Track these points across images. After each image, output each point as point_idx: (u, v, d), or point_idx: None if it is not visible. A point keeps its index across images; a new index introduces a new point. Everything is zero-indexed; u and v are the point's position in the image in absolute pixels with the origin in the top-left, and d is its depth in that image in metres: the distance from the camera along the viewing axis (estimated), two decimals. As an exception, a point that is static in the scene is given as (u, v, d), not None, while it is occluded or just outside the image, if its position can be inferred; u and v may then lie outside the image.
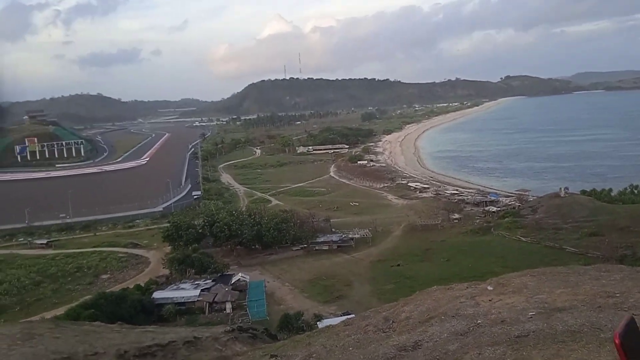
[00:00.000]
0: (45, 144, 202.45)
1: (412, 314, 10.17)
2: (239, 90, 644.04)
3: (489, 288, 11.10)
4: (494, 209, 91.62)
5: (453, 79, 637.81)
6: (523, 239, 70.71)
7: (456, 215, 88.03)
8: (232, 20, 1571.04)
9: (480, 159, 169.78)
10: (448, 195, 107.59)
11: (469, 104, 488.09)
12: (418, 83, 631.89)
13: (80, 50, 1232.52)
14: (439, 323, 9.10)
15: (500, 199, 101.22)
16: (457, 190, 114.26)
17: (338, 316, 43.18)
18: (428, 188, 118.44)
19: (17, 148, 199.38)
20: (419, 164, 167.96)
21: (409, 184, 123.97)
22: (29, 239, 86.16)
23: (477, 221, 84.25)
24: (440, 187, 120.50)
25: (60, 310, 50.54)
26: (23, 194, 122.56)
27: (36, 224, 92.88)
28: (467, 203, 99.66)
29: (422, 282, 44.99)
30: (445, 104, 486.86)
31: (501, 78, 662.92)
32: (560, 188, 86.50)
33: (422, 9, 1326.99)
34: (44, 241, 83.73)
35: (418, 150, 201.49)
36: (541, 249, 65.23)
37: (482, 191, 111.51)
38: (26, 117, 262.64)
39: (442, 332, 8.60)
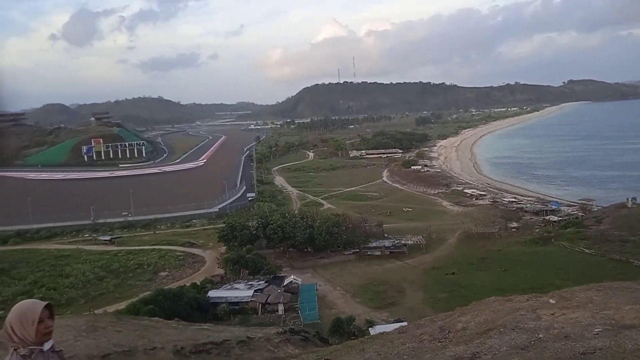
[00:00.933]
0: (109, 144, 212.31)
1: (469, 325, 9.94)
2: (293, 94, 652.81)
3: (551, 301, 10.71)
4: (555, 218, 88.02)
5: (512, 83, 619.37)
6: (586, 250, 67.41)
7: (514, 224, 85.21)
8: (287, 25, 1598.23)
9: (540, 166, 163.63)
10: (506, 203, 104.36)
11: (528, 109, 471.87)
12: (475, 87, 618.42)
13: (143, 55, 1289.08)
14: (498, 335, 8.85)
15: (562, 208, 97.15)
16: (515, 197, 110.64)
17: (390, 323, 42.77)
18: (485, 195, 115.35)
19: (84, 148, 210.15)
20: (475, 170, 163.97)
21: (465, 191, 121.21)
22: (94, 236, 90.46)
23: (537, 231, 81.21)
24: (497, 194, 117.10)
25: (121, 305, 52.77)
26: (89, 192, 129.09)
27: (100, 221, 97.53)
28: (526, 211, 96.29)
29: (477, 292, 43.85)
30: (503, 109, 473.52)
31: (563, 82, 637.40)
32: (628, 198, 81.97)
33: (480, 11, 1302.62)
34: (108, 238, 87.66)
35: (475, 156, 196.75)
36: (606, 262, 62.00)
37: (542, 199, 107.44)
38: (93, 118, 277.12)
39: (502, 345, 8.35)
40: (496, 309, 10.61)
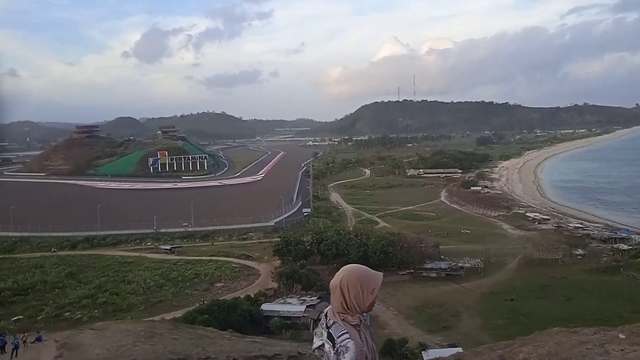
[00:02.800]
0: (174, 157, 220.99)
1: (530, 356, 9.49)
2: (352, 111, 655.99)
3: (621, 336, 10.05)
4: (625, 247, 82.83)
5: (580, 104, 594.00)
6: (660, 282, 62.99)
7: (580, 251, 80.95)
8: (348, 43, 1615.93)
9: (609, 191, 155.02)
10: (571, 229, 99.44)
11: (598, 131, 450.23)
12: (540, 107, 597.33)
13: (207, 72, 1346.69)
14: (561, 369, 8.39)
15: (633, 236, 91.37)
16: (581, 223, 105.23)
17: (444, 347, 41.59)
18: (548, 219, 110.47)
19: (151, 160, 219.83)
20: (538, 193, 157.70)
21: (527, 214, 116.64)
22: (156, 244, 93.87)
23: (604, 259, 76.74)
24: (562, 219, 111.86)
25: (178, 313, 54.22)
26: (153, 203, 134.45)
27: (162, 230, 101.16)
28: (593, 238, 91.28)
29: (538, 321, 41.94)
30: (570, 130, 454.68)
31: (637, 104, 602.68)
32: None
33: (547, 30, 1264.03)
34: (168, 247, 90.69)
35: (538, 179, 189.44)
36: (682, 296, 57.62)
37: (611, 226, 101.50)
38: (160, 132, 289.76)
39: (566, 380, 7.90)
40: (560, 340, 10.08)
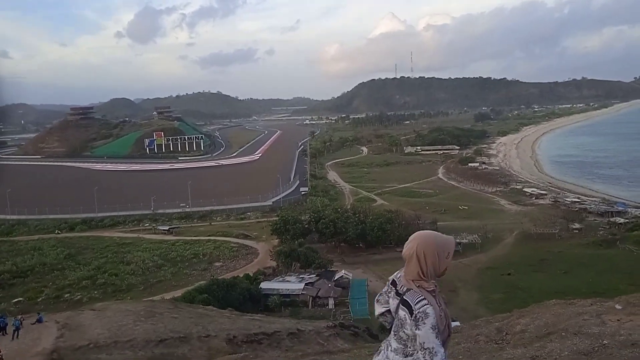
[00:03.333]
0: (170, 137, 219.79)
1: (528, 328, 9.50)
2: (349, 89, 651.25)
3: (618, 307, 10.07)
4: (621, 220, 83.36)
5: (578, 78, 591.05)
6: (656, 255, 63.51)
7: (576, 225, 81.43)
8: (344, 20, 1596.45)
9: (606, 165, 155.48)
10: (568, 203, 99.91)
11: (596, 105, 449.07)
12: (538, 82, 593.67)
13: (202, 51, 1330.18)
14: (559, 340, 8.39)
15: (629, 209, 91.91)
16: (578, 198, 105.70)
17: (442, 322, 41.98)
18: (545, 194, 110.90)
19: (147, 141, 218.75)
20: (536, 168, 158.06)
21: (524, 189, 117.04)
22: (154, 225, 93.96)
23: (601, 233, 77.28)
24: (559, 193, 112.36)
25: (178, 293, 54.59)
26: (150, 184, 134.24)
27: (160, 211, 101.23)
28: (590, 212, 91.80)
29: (536, 294, 42.29)
30: (568, 105, 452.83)
31: (635, 78, 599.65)
32: None
33: (546, 3, 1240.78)
34: (166, 228, 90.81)
35: (536, 154, 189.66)
36: (678, 268, 58.12)
37: (608, 200, 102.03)
38: (155, 112, 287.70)
39: (563, 350, 7.91)
40: (557, 312, 10.09)
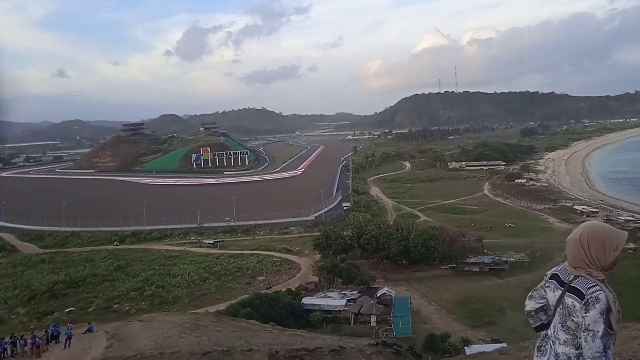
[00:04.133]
0: (216, 153, 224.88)
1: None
2: (392, 104, 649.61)
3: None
4: (681, 240, 78.93)
5: (631, 92, 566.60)
6: None
7: (631, 245, 77.60)
8: (387, 36, 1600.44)
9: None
10: (621, 222, 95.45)
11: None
12: (588, 96, 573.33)
13: (247, 68, 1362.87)
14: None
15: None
16: (632, 216, 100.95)
17: (488, 343, 40.90)
18: (597, 212, 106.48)
19: (194, 156, 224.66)
20: (587, 185, 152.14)
21: (575, 207, 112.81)
22: (199, 238, 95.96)
23: (659, 253, 73.35)
24: (612, 211, 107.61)
25: (221, 306, 55.34)
26: (196, 198, 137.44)
27: (205, 225, 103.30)
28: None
29: (586, 317, 40.44)
30: (621, 120, 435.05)
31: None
32: None
33: (595, 15, 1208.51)
34: (211, 241, 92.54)
35: (586, 170, 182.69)
36: None
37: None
38: (202, 128, 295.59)
39: (614, 377, 7.63)
40: None
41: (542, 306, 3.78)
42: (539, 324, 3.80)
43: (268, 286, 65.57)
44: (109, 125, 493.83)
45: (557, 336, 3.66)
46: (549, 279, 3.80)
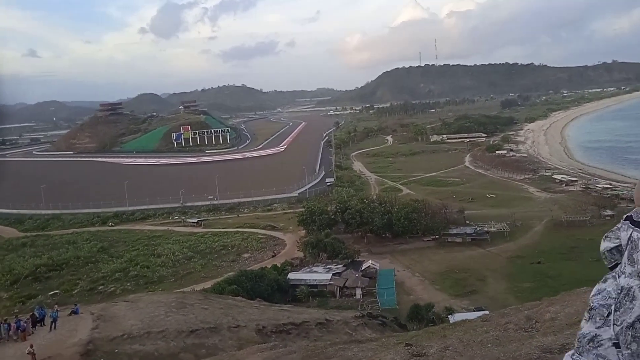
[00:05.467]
0: (197, 131, 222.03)
1: (558, 315, 9.43)
2: (373, 78, 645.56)
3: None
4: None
5: (608, 61, 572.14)
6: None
7: (608, 212, 79.43)
8: (365, 10, 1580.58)
9: (638, 150, 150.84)
10: (599, 190, 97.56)
11: (627, 88, 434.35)
12: (567, 67, 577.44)
13: (224, 45, 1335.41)
14: (589, 328, 8.29)
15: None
16: (610, 184, 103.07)
17: (471, 311, 41.76)
18: (576, 181, 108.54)
19: (174, 135, 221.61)
20: (565, 154, 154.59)
21: (554, 176, 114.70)
22: (183, 218, 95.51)
23: (635, 219, 75.21)
24: (590, 180, 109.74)
25: (207, 284, 55.53)
26: (178, 177, 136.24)
27: (188, 204, 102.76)
28: (622, 199, 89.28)
29: (566, 283, 41.57)
30: (598, 90, 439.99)
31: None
32: None
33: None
34: (195, 220, 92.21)
35: (565, 140, 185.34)
36: None
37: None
38: (181, 107, 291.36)
39: (594, 338, 7.82)
40: (587, 299, 9.96)
41: (616, 246, 3.92)
42: (614, 263, 3.93)
43: (273, 254, 68.89)
44: (86, 106, 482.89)
45: (623, 270, 3.80)
46: (624, 220, 3.93)
